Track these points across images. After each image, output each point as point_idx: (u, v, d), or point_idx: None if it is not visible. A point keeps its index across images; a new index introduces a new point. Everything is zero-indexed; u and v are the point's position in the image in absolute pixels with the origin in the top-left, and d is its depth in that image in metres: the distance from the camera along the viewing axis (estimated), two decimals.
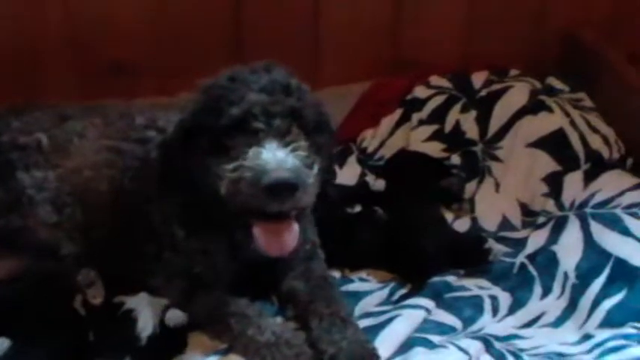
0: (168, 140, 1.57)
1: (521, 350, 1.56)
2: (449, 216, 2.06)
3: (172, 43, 2.29)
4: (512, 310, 1.71)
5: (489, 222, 2.04)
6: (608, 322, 1.60)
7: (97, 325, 1.55)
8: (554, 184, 2.04)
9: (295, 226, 1.47)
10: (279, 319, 1.65)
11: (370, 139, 2.36)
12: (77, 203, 1.74)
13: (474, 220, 2.06)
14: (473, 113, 2.28)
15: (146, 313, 1.54)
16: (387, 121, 2.39)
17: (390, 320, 1.61)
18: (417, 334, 1.59)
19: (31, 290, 1.62)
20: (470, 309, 1.70)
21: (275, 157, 1.38)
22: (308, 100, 1.51)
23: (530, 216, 2.03)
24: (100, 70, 2.28)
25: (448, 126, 2.31)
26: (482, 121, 2.25)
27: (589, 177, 2.00)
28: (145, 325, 1.52)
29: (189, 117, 1.52)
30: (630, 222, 1.77)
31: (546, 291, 1.74)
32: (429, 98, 2.37)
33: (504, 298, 1.74)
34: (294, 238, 1.47)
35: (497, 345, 1.56)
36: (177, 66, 2.27)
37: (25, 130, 1.81)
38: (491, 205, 2.08)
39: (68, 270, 1.67)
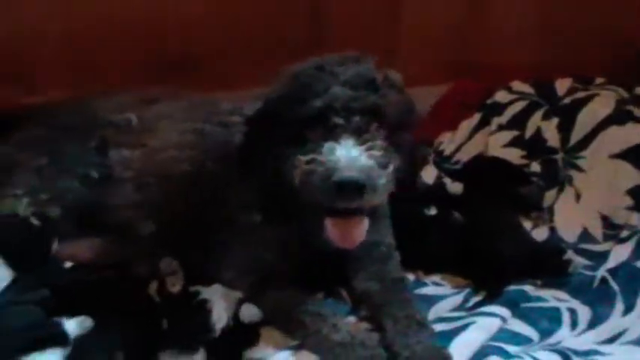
0: (250, 120, 1.56)
1: None
2: (527, 224, 1.99)
3: (244, 36, 2.29)
4: (591, 324, 1.63)
5: (569, 233, 1.96)
6: None
7: (171, 313, 1.54)
8: (639, 197, 1.95)
9: (365, 222, 1.45)
10: (351, 319, 1.61)
11: (448, 142, 2.32)
12: (159, 183, 1.75)
13: (553, 229, 1.98)
14: (555, 120, 2.21)
15: (220, 305, 1.52)
16: (466, 125, 2.35)
17: (464, 327, 1.55)
18: (492, 343, 1.53)
19: (109, 274, 1.63)
20: (547, 321, 1.63)
21: (348, 154, 1.36)
22: (392, 96, 1.47)
23: (612, 229, 1.95)
24: (168, 63, 2.30)
25: (529, 132, 2.24)
26: (565, 129, 2.17)
27: None
28: (220, 317, 1.50)
29: (274, 100, 1.50)
30: None
31: (629, 307, 1.65)
32: (510, 103, 2.31)
33: (583, 312, 1.66)
34: (362, 233, 1.45)
35: None
36: (249, 60, 2.27)
37: (117, 109, 1.84)
38: (571, 216, 2.00)
39: (146, 253, 1.68)
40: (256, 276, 1.61)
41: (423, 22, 2.44)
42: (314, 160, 1.39)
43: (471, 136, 2.33)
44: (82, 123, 1.89)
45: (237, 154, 1.59)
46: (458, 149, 2.30)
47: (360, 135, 1.40)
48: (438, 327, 1.57)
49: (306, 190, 1.41)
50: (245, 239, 1.62)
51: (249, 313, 1.54)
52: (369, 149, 1.38)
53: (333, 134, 1.39)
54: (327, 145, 1.38)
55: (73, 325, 1.50)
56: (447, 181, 2.16)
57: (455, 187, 2.12)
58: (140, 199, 1.75)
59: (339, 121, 1.40)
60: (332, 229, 1.44)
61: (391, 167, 1.42)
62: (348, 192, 1.35)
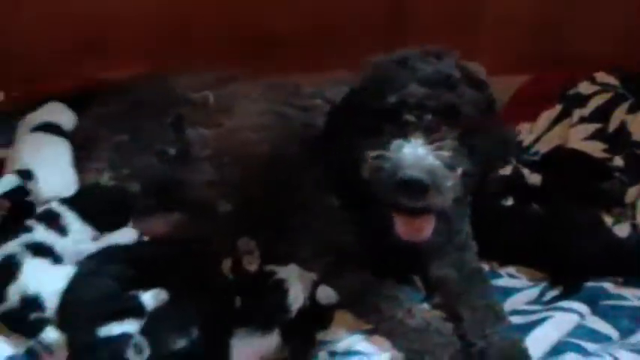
0: (334, 110, 1.55)
1: None
2: (608, 220, 1.92)
3: (328, 20, 2.27)
4: None
5: None
6: None
7: (245, 291, 1.54)
8: None
9: (431, 220, 1.43)
10: (425, 306, 1.59)
11: (527, 132, 2.26)
12: (235, 162, 1.75)
13: (635, 226, 1.91)
14: None
15: (297, 286, 1.50)
16: (546, 116, 2.28)
17: (541, 321, 1.52)
18: (570, 339, 1.49)
19: (184, 249, 1.64)
20: (628, 320, 1.57)
21: (415, 153, 1.34)
22: (470, 95, 1.43)
23: None
24: (251, 44, 2.29)
25: (612, 125, 2.17)
26: None
27: None
28: (296, 298, 1.49)
29: (356, 91, 1.49)
30: None
31: None
32: (593, 95, 2.24)
33: None
34: (428, 231, 1.44)
35: None
36: (331, 44, 2.26)
37: (195, 87, 1.85)
38: None
39: (222, 231, 1.68)
40: (331, 258, 1.60)
41: (508, 11, 2.38)
42: (382, 155, 1.38)
43: (550, 128, 2.27)
44: (159, 99, 1.91)
45: (319, 139, 1.58)
46: (537, 140, 2.24)
47: (429, 134, 1.37)
48: (514, 320, 1.54)
49: (373, 184, 1.40)
50: (321, 221, 1.62)
51: (326, 295, 1.52)
52: (437, 149, 1.36)
53: (403, 131, 1.38)
54: (396, 142, 1.37)
55: (148, 298, 1.52)
56: (526, 171, 2.10)
57: (533, 179, 2.06)
58: (217, 177, 1.76)
59: (410, 118, 1.38)
60: (398, 224, 1.43)
61: (460, 170, 1.39)
62: (411, 191, 1.34)
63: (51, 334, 1.46)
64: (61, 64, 2.18)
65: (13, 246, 1.58)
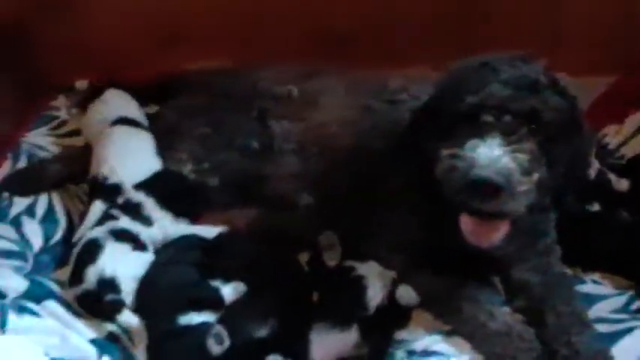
0: (417, 110, 1.53)
1: None
2: None
3: (407, 13, 2.24)
4: None
5: None
6: None
7: (325, 286, 1.54)
8: None
9: (502, 227, 1.39)
10: (506, 309, 1.55)
11: (612, 135, 2.19)
12: (320, 156, 1.74)
13: None
14: None
15: (376, 283, 1.49)
16: (633, 120, 2.20)
17: (628, 331, 1.48)
18: None
19: (263, 241, 1.64)
20: None
21: (490, 154, 1.30)
22: (555, 102, 1.38)
23: None
24: (322, 42, 2.27)
25: None
26: None
27: None
28: (375, 295, 1.47)
29: (437, 94, 1.47)
30: None
31: None
32: None
33: None
34: (498, 237, 1.39)
35: None
36: (402, 42, 2.23)
37: (278, 80, 1.85)
38: None
39: (302, 225, 1.68)
40: (411, 256, 1.57)
41: (592, 11, 2.30)
42: (456, 154, 1.35)
43: (636, 133, 2.18)
44: (242, 93, 1.90)
45: (403, 138, 1.56)
46: (623, 144, 2.16)
47: (507, 136, 1.33)
48: (598, 328, 1.50)
49: (445, 183, 1.37)
50: (403, 219, 1.59)
51: (407, 294, 1.50)
52: (514, 151, 1.31)
53: (479, 131, 1.34)
54: (471, 142, 1.33)
55: (228, 290, 1.53)
56: (612, 177, 2.03)
57: (621, 184, 1.99)
58: (300, 171, 1.75)
59: (488, 119, 1.34)
60: (465, 227, 1.39)
61: (536, 175, 1.34)
62: (482, 192, 1.29)
63: (131, 320, 1.48)
64: (143, 55, 2.20)
65: (97, 231, 1.61)
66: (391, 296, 1.50)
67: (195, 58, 2.10)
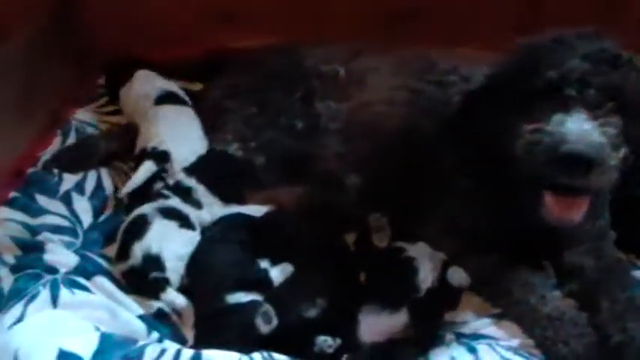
0: (475, 90, 1.49)
1: None
2: None
3: None
4: None
5: None
6: None
7: (373, 267, 1.52)
8: None
9: (586, 202, 1.35)
10: (558, 294, 1.50)
11: None
12: (366, 136, 1.72)
13: None
14: None
15: (426, 265, 1.48)
16: None
17: None
18: None
19: (310, 219, 1.63)
20: None
21: (580, 128, 1.26)
22: (634, 79, 1.34)
23: None
24: (383, 17, 2.22)
25: None
26: None
27: None
28: (425, 277, 1.46)
29: (501, 72, 1.43)
30: None
31: None
32: None
33: None
34: (580, 213, 1.35)
35: None
36: (466, 19, 2.18)
37: (325, 59, 1.83)
38: None
39: (349, 205, 1.66)
40: (460, 238, 1.55)
41: None
42: (540, 129, 1.30)
43: None
44: (288, 71, 1.89)
45: (454, 119, 1.53)
46: None
47: (593, 110, 1.29)
48: None
49: (528, 160, 1.33)
50: (453, 201, 1.57)
51: (459, 276, 1.48)
52: (602, 126, 1.28)
53: (564, 106, 1.30)
54: (557, 117, 1.29)
55: (276, 273, 1.53)
56: None
57: None
58: (346, 151, 1.73)
59: (572, 92, 1.30)
60: (551, 205, 1.34)
61: (622, 151, 1.31)
62: (575, 167, 1.25)
63: (175, 298, 1.48)
64: (192, 32, 2.19)
65: (147, 207, 1.62)
66: (441, 278, 1.48)
67: (243, 36, 2.08)
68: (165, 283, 1.50)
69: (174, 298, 1.48)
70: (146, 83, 2.01)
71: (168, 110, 1.92)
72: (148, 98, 1.95)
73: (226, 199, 1.73)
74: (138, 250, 1.53)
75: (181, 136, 1.83)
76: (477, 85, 1.50)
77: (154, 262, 1.51)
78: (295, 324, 1.38)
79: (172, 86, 2.01)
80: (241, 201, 1.75)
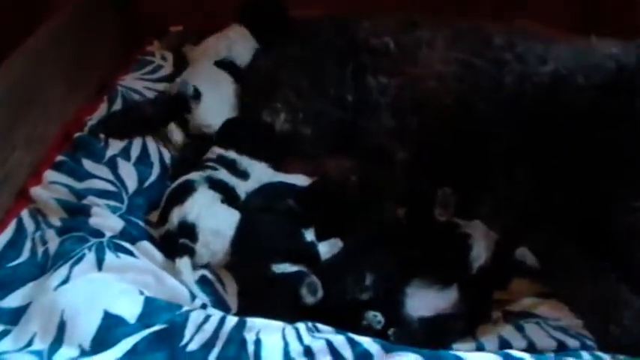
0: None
1: None
2: None
3: None
4: None
5: None
6: None
7: (426, 242, 1.47)
8: None
9: None
10: (610, 275, 1.41)
11: None
12: (417, 112, 1.65)
13: None
14: None
15: (480, 243, 1.42)
16: None
17: None
18: None
19: (360, 194, 1.59)
20: None
21: None
22: None
23: None
24: None
25: None
26: None
27: None
28: (479, 255, 1.41)
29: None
30: None
31: None
32: None
33: None
34: None
35: None
36: None
37: (375, 32, 1.77)
38: None
39: (398, 178, 1.61)
40: (515, 217, 1.48)
41: None
42: None
43: None
44: (340, 44, 1.83)
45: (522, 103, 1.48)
46: None
47: None
48: None
49: None
50: (505, 182, 1.51)
51: (529, 257, 1.42)
52: None
53: None
54: None
55: (324, 249, 1.49)
56: None
57: None
58: (395, 126, 1.67)
59: None
60: None
61: None
62: None
63: (184, 269, 1.44)
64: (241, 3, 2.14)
65: (195, 175, 1.59)
66: (494, 257, 1.41)
67: (294, 6, 2.01)
68: (186, 251, 1.46)
69: (183, 268, 1.43)
70: (226, 40, 2.02)
71: (213, 71, 1.94)
72: (211, 55, 1.98)
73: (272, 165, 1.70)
74: (176, 215, 1.50)
75: (213, 95, 1.86)
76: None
77: (188, 229, 1.48)
78: (344, 298, 1.34)
79: (242, 50, 2.01)
80: (283, 169, 1.72)
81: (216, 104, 1.84)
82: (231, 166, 1.65)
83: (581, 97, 1.42)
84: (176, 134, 1.82)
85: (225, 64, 1.96)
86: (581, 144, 1.39)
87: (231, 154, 1.67)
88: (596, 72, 1.43)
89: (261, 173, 1.67)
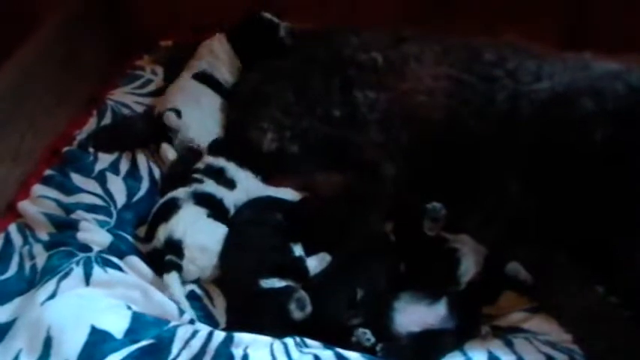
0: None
1: None
2: None
3: None
4: None
5: None
6: None
7: (414, 256, 1.46)
8: None
9: None
10: (597, 289, 1.41)
11: None
12: (405, 127, 1.64)
13: None
14: None
15: (470, 258, 1.41)
16: None
17: None
18: None
19: (349, 209, 1.57)
20: None
21: None
22: None
23: None
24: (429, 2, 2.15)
25: None
26: None
27: None
28: (467, 270, 1.40)
29: None
30: None
31: None
32: None
33: None
34: None
35: None
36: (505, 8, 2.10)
37: (363, 47, 1.76)
38: None
39: (386, 192, 1.60)
40: (504, 228, 1.47)
41: None
42: None
43: None
44: (327, 59, 1.82)
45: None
46: None
47: None
48: None
49: None
50: (493, 196, 1.50)
51: (521, 272, 1.41)
52: None
53: None
54: None
55: (313, 263, 1.48)
56: None
57: None
58: (384, 141, 1.66)
59: None
60: None
61: None
62: None
63: (171, 284, 1.42)
64: (228, 16, 2.13)
65: (180, 191, 1.58)
66: (483, 272, 1.41)
67: (282, 21, 2.00)
68: (175, 267, 1.45)
69: (170, 283, 1.42)
70: (207, 52, 2.01)
71: (195, 86, 1.92)
72: (192, 68, 1.96)
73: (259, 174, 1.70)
74: (162, 232, 1.49)
75: (199, 112, 1.85)
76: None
77: (174, 246, 1.47)
78: (333, 314, 1.33)
79: (223, 66, 1.98)
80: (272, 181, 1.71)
81: (196, 120, 1.82)
82: (218, 175, 1.64)
83: (591, 123, 1.40)
84: (170, 153, 1.79)
85: (205, 77, 1.94)
86: (589, 171, 1.38)
87: (221, 162, 1.67)
88: (603, 95, 1.41)
89: (248, 183, 1.66)
